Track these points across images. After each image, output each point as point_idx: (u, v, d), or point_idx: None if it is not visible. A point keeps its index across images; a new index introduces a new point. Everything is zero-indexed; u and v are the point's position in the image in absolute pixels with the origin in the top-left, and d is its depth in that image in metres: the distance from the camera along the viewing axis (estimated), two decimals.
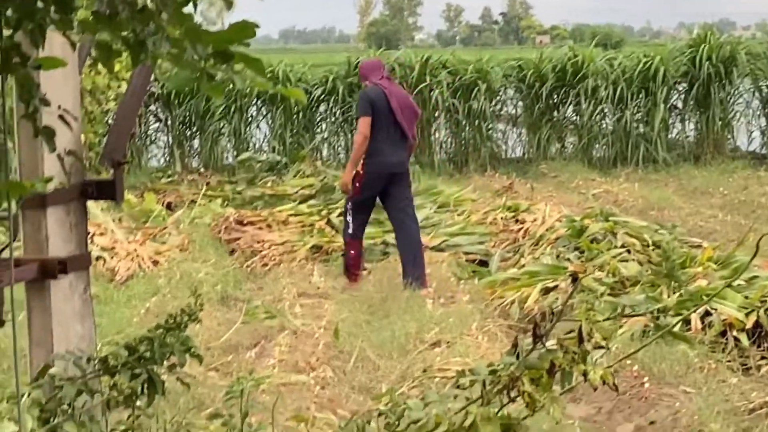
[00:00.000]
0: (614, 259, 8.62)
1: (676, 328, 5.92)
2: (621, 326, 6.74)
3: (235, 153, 16.92)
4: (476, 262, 10.15)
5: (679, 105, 17.86)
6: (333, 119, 17.46)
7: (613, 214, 10.20)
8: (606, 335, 3.59)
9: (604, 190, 14.42)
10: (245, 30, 2.13)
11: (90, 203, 3.86)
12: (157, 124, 17.49)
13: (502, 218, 11.16)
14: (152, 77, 7.33)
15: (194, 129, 17.23)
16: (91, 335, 3.79)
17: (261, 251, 10.39)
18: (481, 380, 3.59)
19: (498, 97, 17.79)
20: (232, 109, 16.96)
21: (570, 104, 17.61)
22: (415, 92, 16.74)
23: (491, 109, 17.36)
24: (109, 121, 13.51)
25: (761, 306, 7.07)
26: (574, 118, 17.75)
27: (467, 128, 17.27)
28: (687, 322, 6.91)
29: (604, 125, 17.55)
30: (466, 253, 10.29)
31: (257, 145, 17.29)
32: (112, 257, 9.64)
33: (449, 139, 17.40)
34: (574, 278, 4.04)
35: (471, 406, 3.56)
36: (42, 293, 3.63)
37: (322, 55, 33.40)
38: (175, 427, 3.86)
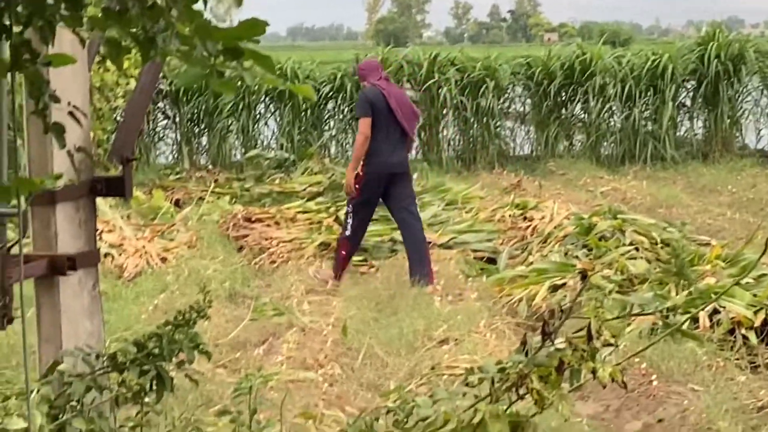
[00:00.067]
0: (622, 256, 8.61)
1: (685, 326, 5.91)
2: (629, 324, 6.73)
3: (243, 150, 16.92)
4: (484, 259, 10.14)
5: (688, 103, 17.83)
6: (341, 116, 17.45)
7: (622, 212, 10.18)
8: (615, 333, 3.58)
9: (612, 187, 14.40)
10: (255, 27, 2.13)
11: (98, 200, 3.86)
12: (165, 121, 17.50)
13: (510, 216, 11.15)
14: (161, 74, 7.32)
15: (202, 126, 17.23)
16: (99, 332, 3.79)
17: (269, 248, 10.39)
18: (490, 378, 3.59)
19: (506, 95, 17.75)
20: (240, 107, 16.95)
21: (578, 102, 17.59)
22: (423, 89, 16.76)
23: (499, 106, 17.34)
24: (118, 118, 13.54)
25: None
26: (583, 115, 17.72)
27: (475, 125, 17.25)
28: (695, 320, 6.90)
29: (612, 123, 17.52)
30: (474, 251, 10.28)
31: (265, 143, 17.28)
32: (120, 254, 9.65)
33: (457, 137, 17.39)
34: (583, 276, 4.04)
35: (480, 404, 3.56)
36: (51, 290, 3.64)
37: (330, 53, 33.39)
38: (184, 423, 3.86)
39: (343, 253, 9.15)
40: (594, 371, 3.49)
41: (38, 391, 3.37)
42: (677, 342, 6.36)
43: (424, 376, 6.35)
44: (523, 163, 16.96)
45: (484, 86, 17.03)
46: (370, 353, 6.95)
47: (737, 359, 6.58)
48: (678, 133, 17.53)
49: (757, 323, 6.92)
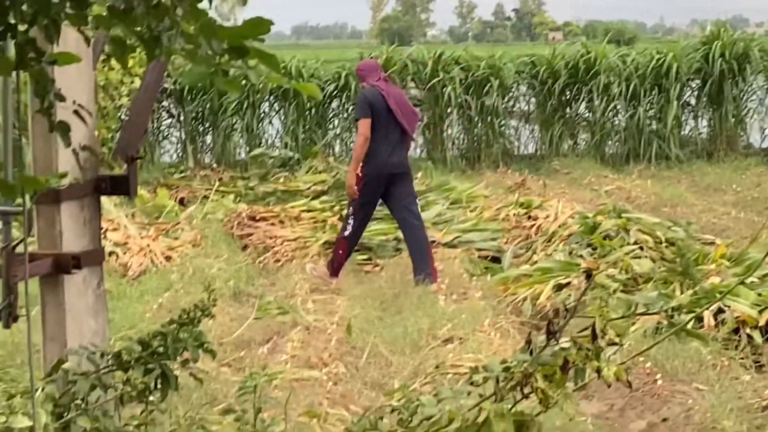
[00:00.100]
0: (627, 255, 8.61)
1: (689, 326, 5.90)
2: (634, 323, 6.72)
3: (247, 149, 16.91)
4: (489, 258, 10.14)
5: (692, 102, 17.80)
6: (345, 115, 17.44)
7: (626, 211, 10.18)
8: (619, 332, 3.58)
9: (616, 186, 14.38)
10: (260, 26, 2.13)
11: (103, 198, 3.87)
12: (169, 120, 17.51)
13: (514, 215, 11.14)
14: (166, 73, 7.29)
15: (207, 125, 17.24)
16: (104, 330, 3.79)
17: (273, 247, 10.40)
18: (494, 377, 3.59)
19: (510, 94, 17.74)
20: (245, 105, 16.95)
21: (582, 101, 17.57)
22: (427, 88, 16.75)
23: (503, 105, 17.33)
24: (122, 117, 13.54)
25: None
26: (587, 114, 17.70)
27: (480, 124, 17.24)
28: (700, 319, 6.89)
29: (616, 122, 17.50)
30: (479, 250, 10.27)
31: (270, 141, 17.27)
32: (125, 252, 9.66)
33: (462, 136, 17.37)
34: (587, 275, 4.04)
35: (484, 403, 3.56)
36: (56, 288, 3.64)
37: (334, 51, 33.35)
38: (188, 422, 3.86)
39: (341, 252, 9.15)
40: (598, 370, 3.49)
41: (43, 389, 3.37)
42: (682, 341, 6.35)
43: (429, 374, 6.35)
44: (527, 162, 16.94)
45: (489, 85, 17.02)
46: (374, 352, 6.95)
47: (742, 358, 6.58)
48: (682, 132, 17.51)
49: (762, 322, 6.92)
